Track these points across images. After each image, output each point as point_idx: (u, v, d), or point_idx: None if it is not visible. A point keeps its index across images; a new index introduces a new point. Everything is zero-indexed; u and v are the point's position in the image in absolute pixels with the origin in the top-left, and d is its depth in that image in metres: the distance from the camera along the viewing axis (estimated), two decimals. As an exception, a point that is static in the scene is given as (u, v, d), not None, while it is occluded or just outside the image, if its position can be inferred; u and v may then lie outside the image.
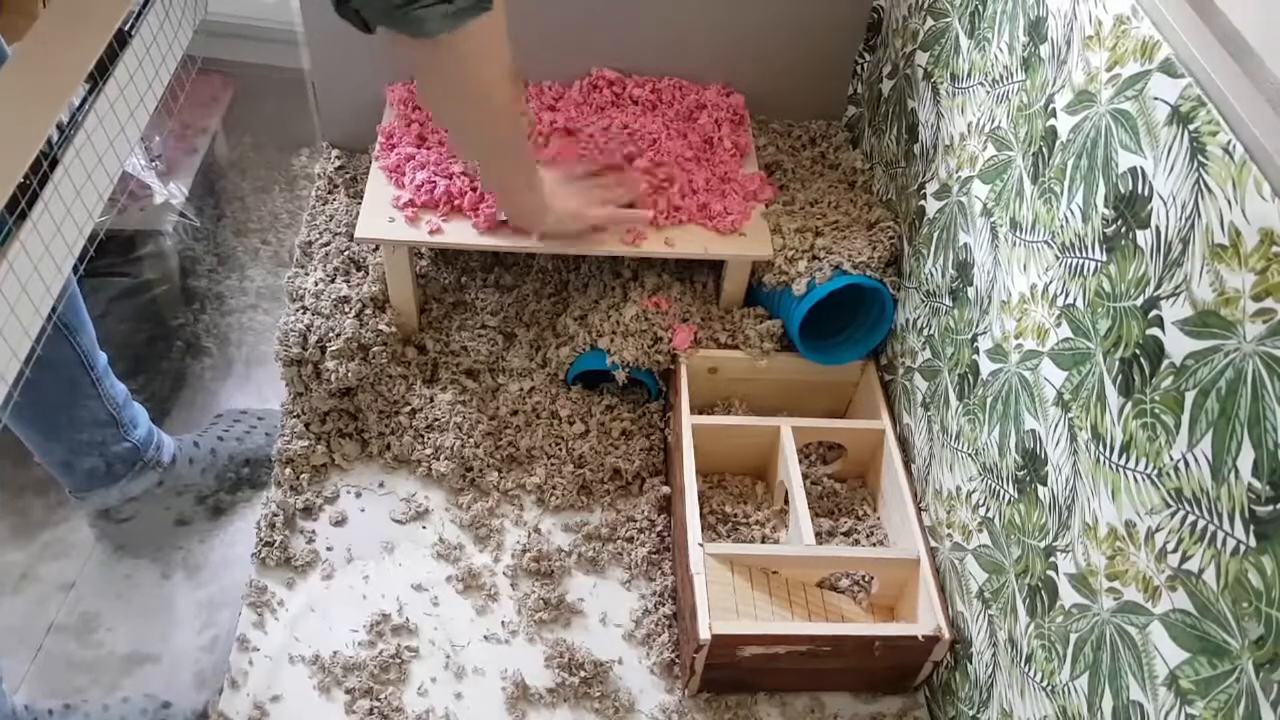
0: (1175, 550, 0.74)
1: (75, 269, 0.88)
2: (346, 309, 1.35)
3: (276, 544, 1.24)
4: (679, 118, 1.49)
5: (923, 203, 1.24)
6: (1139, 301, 0.79)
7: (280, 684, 1.13)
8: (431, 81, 1.04)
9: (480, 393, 1.37)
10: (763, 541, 1.27)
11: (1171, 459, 0.75)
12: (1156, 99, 0.77)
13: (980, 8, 1.11)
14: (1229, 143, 0.69)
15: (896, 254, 1.31)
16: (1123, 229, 0.82)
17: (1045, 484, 0.93)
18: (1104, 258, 0.84)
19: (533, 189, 1.21)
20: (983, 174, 1.08)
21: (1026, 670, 0.95)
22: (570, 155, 1.36)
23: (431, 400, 1.34)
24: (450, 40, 0.92)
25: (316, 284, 1.38)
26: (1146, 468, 0.78)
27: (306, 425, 1.34)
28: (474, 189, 1.34)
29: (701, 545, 1.14)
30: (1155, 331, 0.77)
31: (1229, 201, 0.69)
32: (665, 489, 1.31)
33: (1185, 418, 0.73)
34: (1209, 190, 0.71)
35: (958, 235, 1.13)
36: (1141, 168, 0.79)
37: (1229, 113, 0.71)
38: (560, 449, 1.35)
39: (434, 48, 0.93)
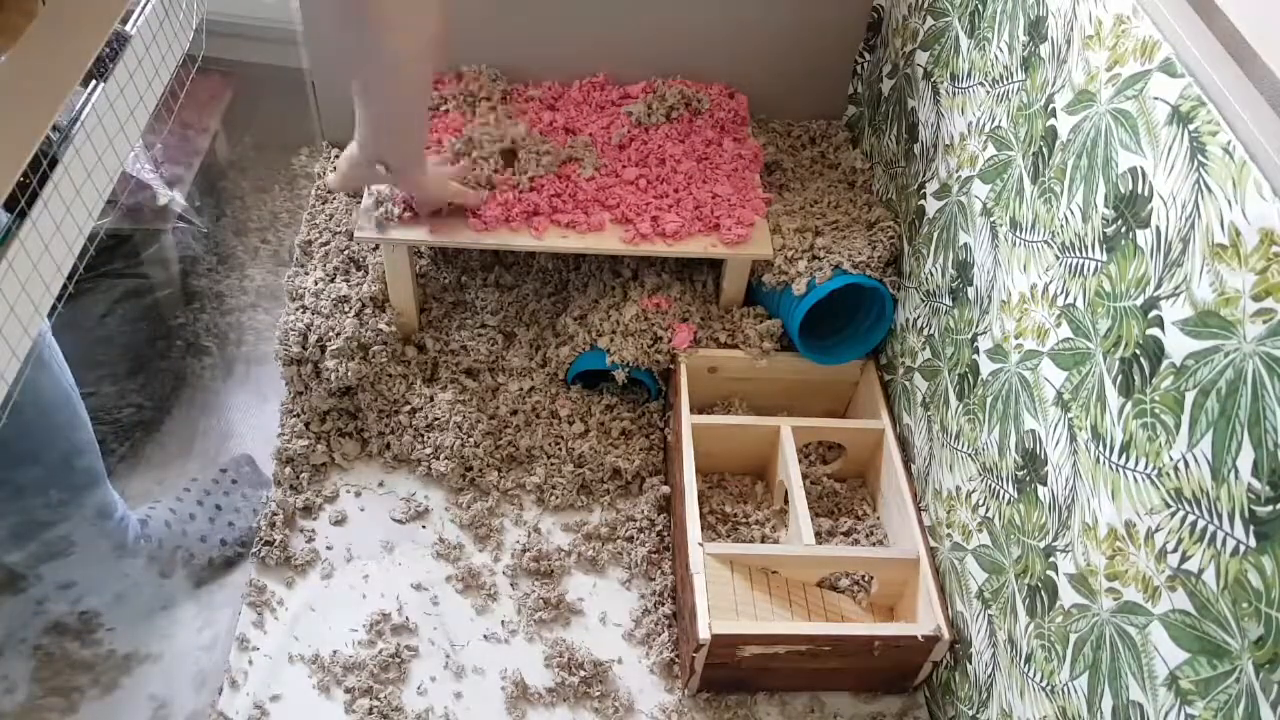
0: (1175, 550, 0.74)
1: (74, 273, 0.87)
2: (346, 308, 1.35)
3: (276, 543, 1.24)
4: (680, 119, 1.48)
5: (923, 202, 1.24)
6: (1139, 301, 0.79)
7: (280, 683, 1.13)
8: (361, 48, 1.08)
9: (480, 392, 1.37)
10: (763, 541, 1.27)
11: (1171, 459, 0.75)
12: (1156, 99, 0.77)
13: (980, 7, 1.10)
14: (1229, 143, 0.69)
15: (896, 254, 1.31)
16: (1123, 229, 0.82)
17: (1045, 484, 0.92)
18: (1104, 257, 0.84)
19: (421, 146, 1.22)
20: (983, 174, 1.08)
21: (1026, 670, 0.95)
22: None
23: (431, 399, 1.34)
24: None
25: (316, 283, 1.38)
26: (1146, 468, 0.78)
27: (306, 424, 1.34)
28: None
29: (701, 545, 1.14)
30: (1155, 331, 0.77)
31: (1229, 201, 0.69)
32: (665, 489, 1.31)
33: (1185, 418, 0.73)
34: (1209, 190, 0.71)
35: (958, 235, 1.13)
36: (1141, 167, 0.79)
37: (1229, 113, 0.71)
38: (560, 449, 1.34)
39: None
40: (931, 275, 1.20)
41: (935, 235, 1.20)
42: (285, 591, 1.21)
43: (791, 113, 1.59)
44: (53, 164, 0.82)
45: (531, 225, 1.30)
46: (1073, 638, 0.87)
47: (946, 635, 1.08)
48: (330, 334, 1.32)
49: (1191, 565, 0.72)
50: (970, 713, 1.06)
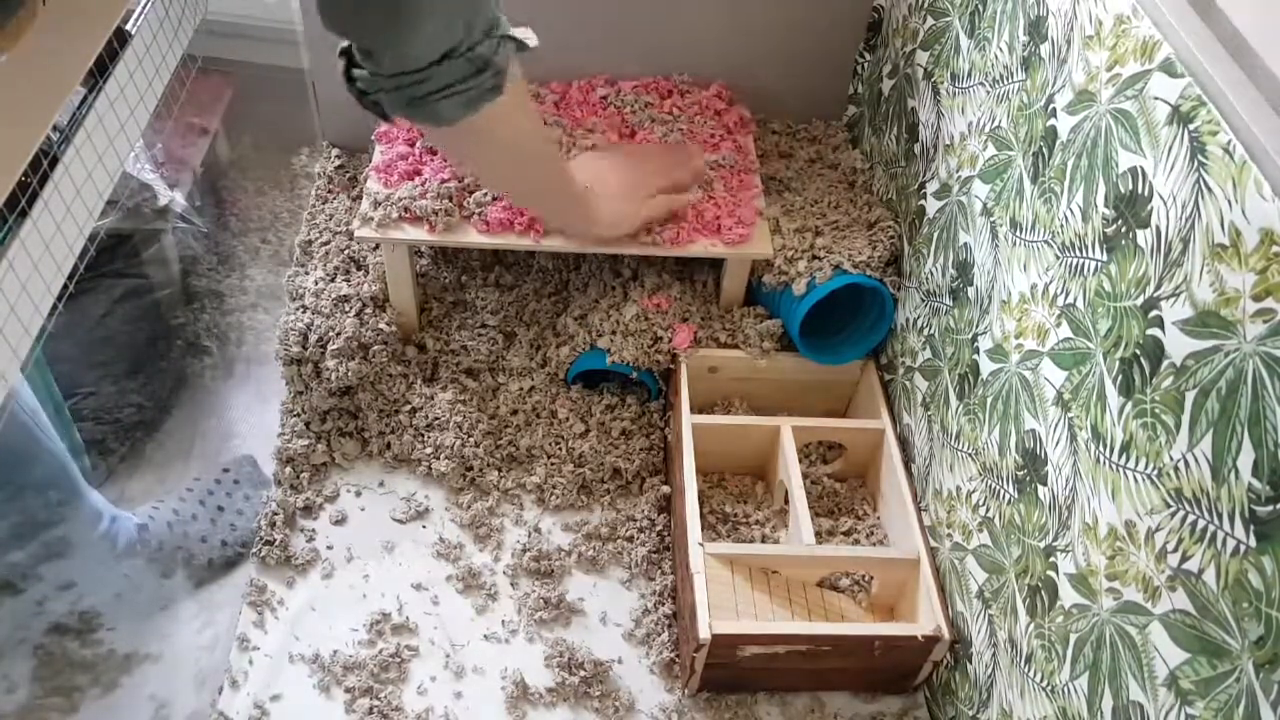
0: (1175, 550, 0.74)
1: (74, 273, 0.87)
2: (347, 308, 1.35)
3: (276, 543, 1.24)
4: (679, 119, 1.48)
5: (923, 202, 1.24)
6: (1139, 301, 0.79)
7: (280, 683, 1.13)
8: (458, 157, 1.04)
9: (480, 392, 1.37)
10: (763, 541, 1.27)
11: (1171, 459, 0.75)
12: (1157, 99, 0.77)
13: (980, 7, 1.10)
14: (1229, 142, 0.69)
15: (896, 254, 1.31)
16: (1123, 229, 0.82)
17: (1045, 484, 0.92)
18: (1104, 257, 0.84)
19: (580, 207, 1.17)
20: (983, 174, 1.08)
21: (1026, 670, 0.95)
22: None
23: (431, 399, 1.35)
24: (471, 123, 0.92)
25: (317, 283, 1.38)
26: (1146, 468, 0.78)
27: (306, 424, 1.34)
28: (471, 191, 1.34)
29: (701, 545, 1.14)
30: (1155, 331, 0.77)
31: (1229, 201, 0.69)
32: (665, 488, 1.31)
33: (1185, 418, 0.73)
34: (1209, 190, 0.71)
35: (958, 235, 1.13)
36: (1141, 167, 0.79)
37: (1229, 113, 0.71)
38: (560, 448, 1.35)
39: (456, 131, 0.93)
40: (931, 275, 1.20)
41: (935, 235, 1.20)
42: (285, 591, 1.21)
43: (791, 113, 1.59)
44: (53, 164, 0.82)
45: (534, 229, 1.30)
46: (1073, 638, 0.87)
47: (947, 635, 1.08)
48: (330, 334, 1.32)
49: (1192, 565, 0.72)
50: (970, 713, 1.06)
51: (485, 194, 1.33)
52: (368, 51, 0.90)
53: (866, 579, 1.23)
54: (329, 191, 1.56)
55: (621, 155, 1.30)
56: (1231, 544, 0.68)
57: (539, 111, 1.03)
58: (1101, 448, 0.84)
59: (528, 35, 0.96)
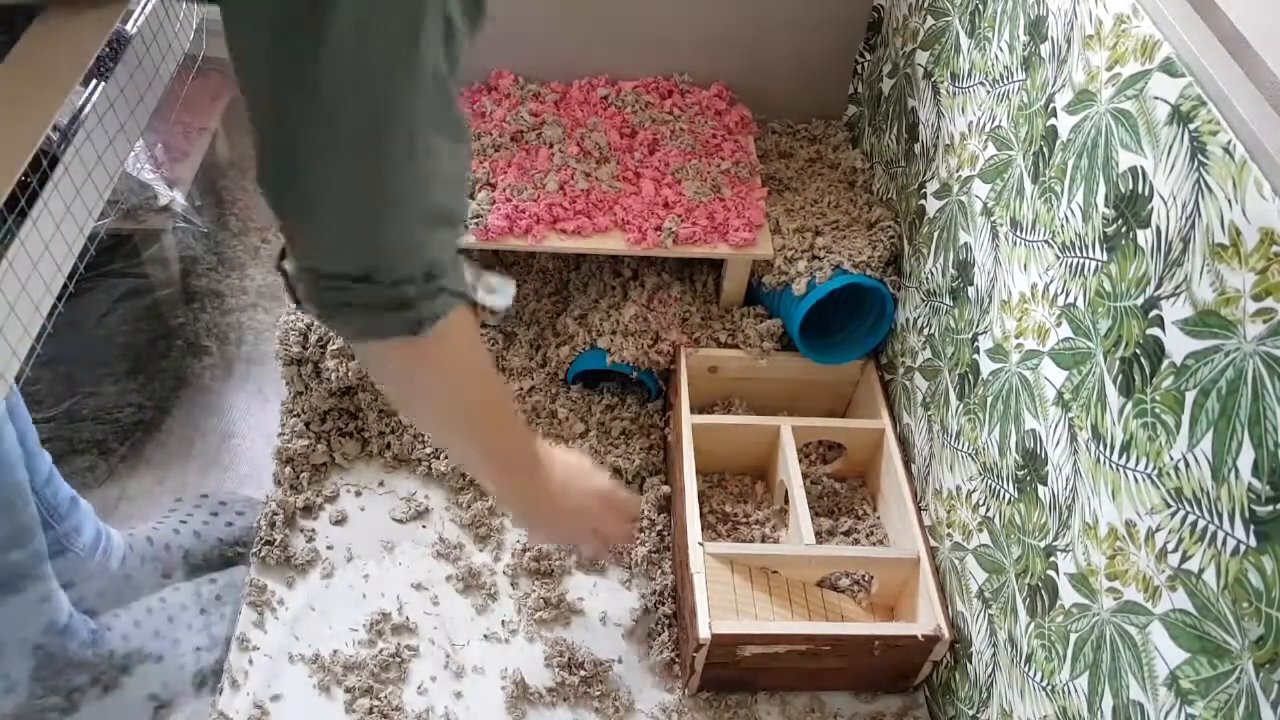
0: (1175, 550, 0.74)
1: (74, 273, 0.87)
2: (346, 308, 1.35)
3: (276, 543, 1.24)
4: (680, 119, 1.48)
5: (923, 202, 1.24)
6: (1139, 301, 0.79)
7: (280, 683, 1.13)
8: (427, 383, 0.82)
9: (480, 392, 1.37)
10: (763, 541, 1.27)
11: (1172, 459, 0.75)
12: (1157, 98, 0.77)
13: (980, 7, 1.10)
14: (1229, 142, 0.69)
15: (896, 253, 1.31)
16: (1123, 228, 0.82)
17: (1045, 484, 0.92)
18: (1104, 257, 0.84)
19: (537, 477, 0.97)
20: (983, 173, 1.08)
21: (1026, 670, 0.95)
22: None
23: (431, 400, 1.34)
24: (444, 329, 0.74)
25: (316, 283, 1.38)
26: (1147, 467, 0.78)
27: (306, 424, 1.34)
28: (472, 195, 1.34)
29: (701, 545, 1.14)
30: (1155, 331, 0.77)
31: (1229, 201, 0.69)
32: (665, 488, 1.30)
33: (1185, 417, 0.73)
34: (1209, 190, 0.71)
35: (958, 235, 1.13)
36: (1142, 167, 0.79)
37: (1229, 112, 0.70)
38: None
39: (425, 345, 0.75)
40: (932, 275, 1.20)
41: (935, 235, 1.20)
42: (285, 591, 1.21)
43: (791, 113, 1.59)
44: (53, 164, 0.82)
45: (532, 235, 1.30)
46: (1073, 637, 0.87)
47: (947, 635, 1.08)
48: (330, 333, 1.32)
49: (1192, 565, 0.72)
50: (970, 712, 1.06)
51: (486, 196, 1.33)
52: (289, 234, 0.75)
53: (866, 579, 1.23)
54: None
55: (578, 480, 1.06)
56: (1232, 544, 0.68)
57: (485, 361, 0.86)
58: (1102, 447, 0.84)
59: (495, 297, 0.79)
